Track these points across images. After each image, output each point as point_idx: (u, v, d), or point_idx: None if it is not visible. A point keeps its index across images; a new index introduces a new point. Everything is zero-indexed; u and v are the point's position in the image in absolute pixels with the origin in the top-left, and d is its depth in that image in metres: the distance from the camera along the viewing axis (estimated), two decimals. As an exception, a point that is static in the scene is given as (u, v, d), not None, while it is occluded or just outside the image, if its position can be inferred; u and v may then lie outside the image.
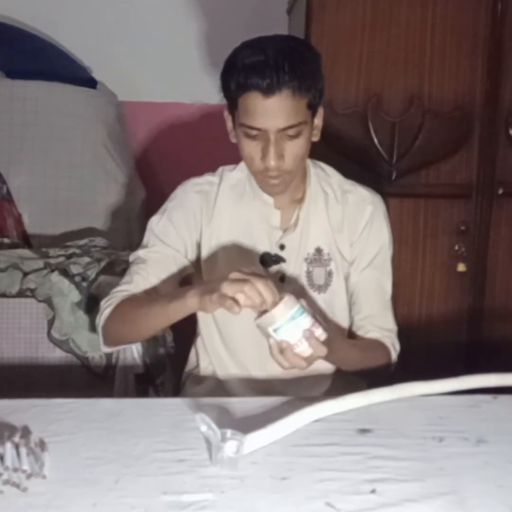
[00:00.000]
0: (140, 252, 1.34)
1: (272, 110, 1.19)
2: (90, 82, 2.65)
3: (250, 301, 1.03)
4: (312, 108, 1.24)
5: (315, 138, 1.29)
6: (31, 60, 2.58)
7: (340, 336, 1.34)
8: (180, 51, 2.76)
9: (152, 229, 1.36)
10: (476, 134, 2.20)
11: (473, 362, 2.22)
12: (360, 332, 1.37)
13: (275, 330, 1.05)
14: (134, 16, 2.74)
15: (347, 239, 1.36)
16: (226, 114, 1.32)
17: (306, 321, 1.05)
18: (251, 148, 1.24)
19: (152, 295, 1.28)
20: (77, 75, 2.64)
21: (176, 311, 1.15)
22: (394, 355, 1.36)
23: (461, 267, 2.23)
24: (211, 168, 1.43)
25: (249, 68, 1.19)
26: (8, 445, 0.84)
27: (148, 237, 1.36)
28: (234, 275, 1.06)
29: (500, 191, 2.22)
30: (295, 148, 1.23)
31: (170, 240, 1.34)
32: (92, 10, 2.71)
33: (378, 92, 2.15)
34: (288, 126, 1.20)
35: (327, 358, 1.15)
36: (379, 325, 1.36)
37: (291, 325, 1.04)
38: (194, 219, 1.36)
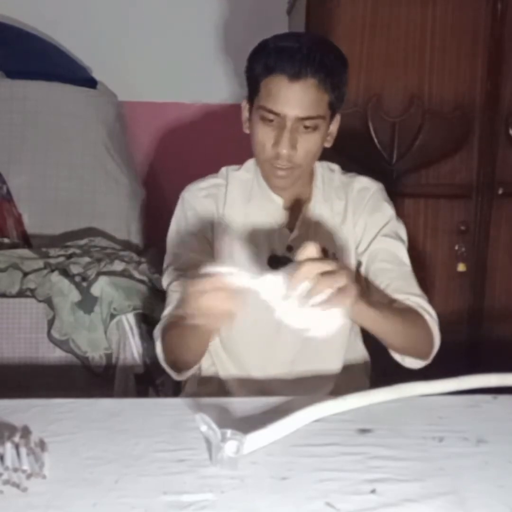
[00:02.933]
0: (171, 269, 1.31)
1: (295, 97, 1.19)
2: (90, 82, 2.65)
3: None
4: (332, 109, 1.24)
5: (328, 144, 1.29)
6: (31, 60, 2.58)
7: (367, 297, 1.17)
8: (180, 51, 2.76)
9: (173, 245, 1.34)
10: (476, 134, 2.20)
11: (473, 362, 2.22)
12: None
13: (284, 314, 0.96)
14: (134, 16, 2.74)
15: (351, 224, 1.34)
16: (243, 103, 1.30)
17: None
18: (265, 133, 1.23)
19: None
20: (77, 75, 2.65)
21: (211, 337, 1.17)
22: (430, 320, 1.23)
23: (461, 267, 2.23)
24: (212, 168, 1.41)
25: (280, 51, 1.19)
26: (8, 445, 0.84)
27: (172, 257, 1.33)
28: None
29: (500, 191, 2.22)
30: (309, 142, 1.23)
31: (196, 246, 1.32)
32: (92, 10, 2.71)
33: (378, 92, 2.15)
34: (306, 117, 1.20)
35: (358, 320, 1.13)
36: (402, 290, 1.26)
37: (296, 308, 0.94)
38: (207, 222, 1.34)
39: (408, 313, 1.22)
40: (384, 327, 1.16)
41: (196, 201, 1.36)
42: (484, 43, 2.15)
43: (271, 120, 1.21)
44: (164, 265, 1.35)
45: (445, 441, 0.94)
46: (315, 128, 1.22)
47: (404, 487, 0.82)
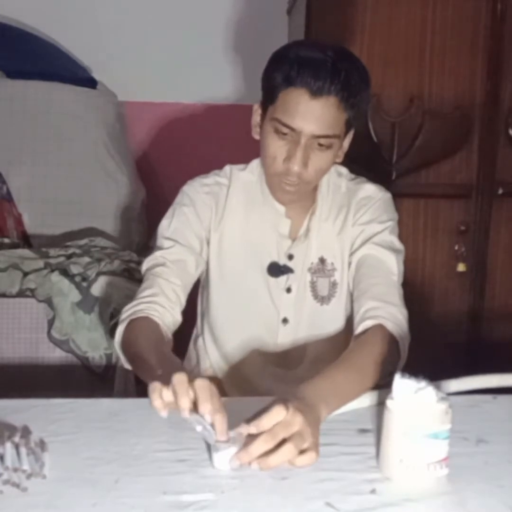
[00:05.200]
0: (158, 254, 1.27)
1: (313, 114, 1.15)
2: (90, 82, 2.65)
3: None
4: (347, 127, 1.21)
5: (339, 159, 1.26)
6: (31, 60, 2.58)
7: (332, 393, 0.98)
8: (180, 51, 2.77)
9: (165, 232, 1.31)
10: (476, 134, 2.20)
11: (473, 362, 2.22)
12: (355, 320, 1.20)
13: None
14: (134, 16, 2.74)
15: (349, 231, 1.31)
16: (255, 107, 1.26)
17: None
18: (277, 147, 1.19)
19: (162, 330, 1.17)
20: (77, 75, 2.65)
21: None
22: (393, 330, 1.13)
23: (461, 267, 2.23)
24: (212, 168, 1.40)
25: (303, 62, 1.14)
26: (8, 445, 0.84)
27: (161, 241, 1.30)
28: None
29: (500, 191, 2.22)
30: (321, 160, 1.20)
31: (185, 239, 1.29)
32: (92, 10, 2.71)
33: (378, 92, 2.15)
34: (322, 135, 1.16)
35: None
36: (379, 297, 1.19)
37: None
38: (204, 218, 1.31)
39: (367, 355, 1.08)
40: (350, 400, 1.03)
41: (197, 197, 1.32)
42: (484, 43, 2.15)
43: (285, 134, 1.18)
44: (153, 250, 1.30)
45: (445, 441, 0.94)
46: (329, 146, 1.19)
47: (404, 487, 0.82)
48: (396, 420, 0.82)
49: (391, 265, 1.26)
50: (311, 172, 1.20)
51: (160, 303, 1.19)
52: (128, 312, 1.18)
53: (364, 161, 2.13)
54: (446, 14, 2.14)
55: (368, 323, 1.15)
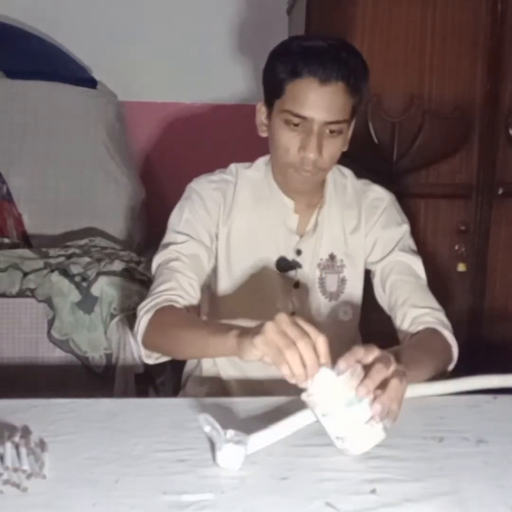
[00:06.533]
0: (172, 248, 1.26)
1: (324, 101, 1.17)
2: (90, 82, 2.65)
3: (291, 371, 0.86)
4: (353, 113, 1.23)
5: (345, 148, 1.28)
6: (31, 60, 2.58)
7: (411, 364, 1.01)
8: (179, 51, 2.77)
9: (176, 226, 1.30)
10: (476, 134, 2.20)
11: (473, 362, 2.21)
12: (404, 326, 1.25)
13: (324, 415, 0.87)
14: (134, 16, 2.74)
15: (362, 233, 1.34)
16: (259, 105, 1.28)
17: (365, 410, 0.86)
18: (289, 138, 1.21)
19: (192, 312, 1.20)
20: (77, 75, 2.65)
21: (214, 349, 1.02)
22: (449, 336, 1.22)
23: (461, 267, 2.23)
24: (212, 167, 1.40)
25: (307, 53, 1.17)
26: (8, 445, 0.84)
27: (173, 235, 1.28)
28: (272, 327, 0.90)
29: (500, 191, 2.22)
30: (333, 146, 1.22)
31: (197, 234, 1.28)
32: (92, 10, 2.71)
33: (378, 92, 2.15)
34: (334, 121, 1.19)
35: None
36: (421, 304, 1.26)
37: (345, 415, 0.86)
38: (213, 212, 1.31)
39: (431, 345, 1.18)
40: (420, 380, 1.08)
41: (205, 193, 1.32)
42: (484, 43, 2.15)
43: (296, 124, 1.19)
44: (164, 242, 1.29)
45: (445, 441, 0.94)
46: (340, 132, 1.21)
47: (404, 487, 0.82)
48: (315, 407, 0.87)
49: (418, 269, 1.34)
50: (326, 158, 1.22)
51: (181, 296, 1.19)
52: (149, 305, 1.17)
53: (364, 161, 2.13)
54: (446, 14, 2.14)
55: (421, 327, 1.22)
